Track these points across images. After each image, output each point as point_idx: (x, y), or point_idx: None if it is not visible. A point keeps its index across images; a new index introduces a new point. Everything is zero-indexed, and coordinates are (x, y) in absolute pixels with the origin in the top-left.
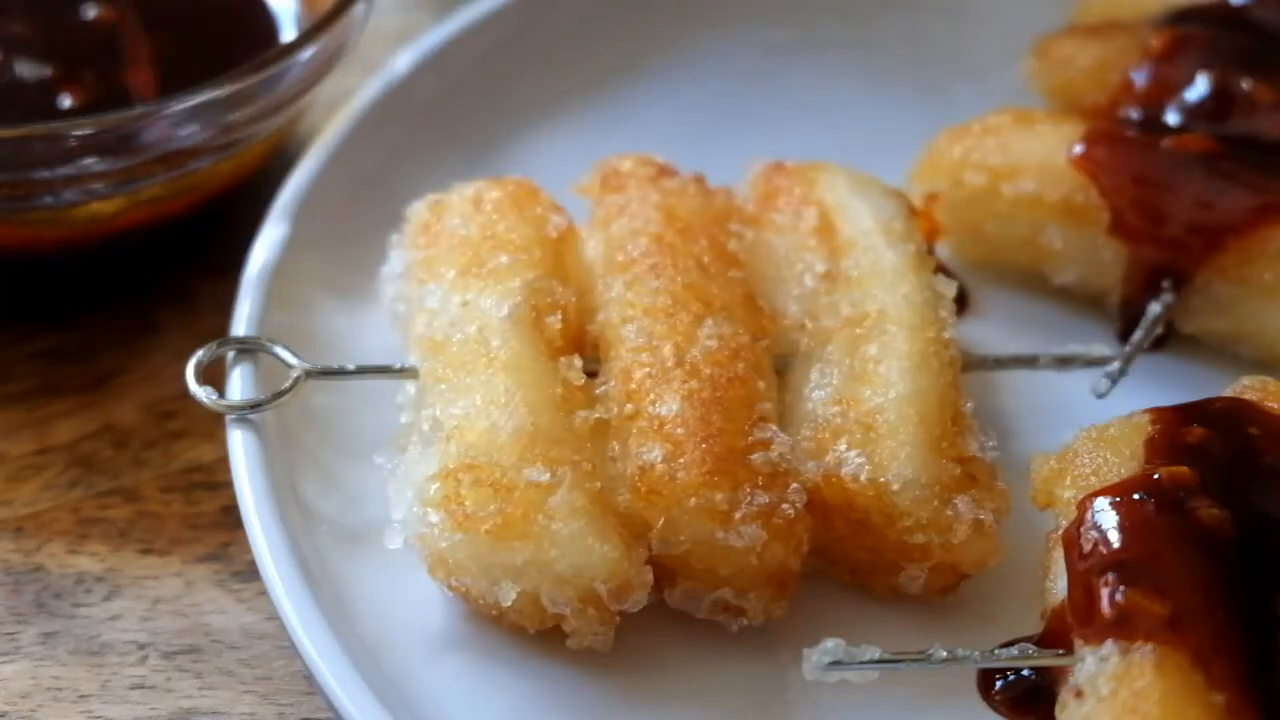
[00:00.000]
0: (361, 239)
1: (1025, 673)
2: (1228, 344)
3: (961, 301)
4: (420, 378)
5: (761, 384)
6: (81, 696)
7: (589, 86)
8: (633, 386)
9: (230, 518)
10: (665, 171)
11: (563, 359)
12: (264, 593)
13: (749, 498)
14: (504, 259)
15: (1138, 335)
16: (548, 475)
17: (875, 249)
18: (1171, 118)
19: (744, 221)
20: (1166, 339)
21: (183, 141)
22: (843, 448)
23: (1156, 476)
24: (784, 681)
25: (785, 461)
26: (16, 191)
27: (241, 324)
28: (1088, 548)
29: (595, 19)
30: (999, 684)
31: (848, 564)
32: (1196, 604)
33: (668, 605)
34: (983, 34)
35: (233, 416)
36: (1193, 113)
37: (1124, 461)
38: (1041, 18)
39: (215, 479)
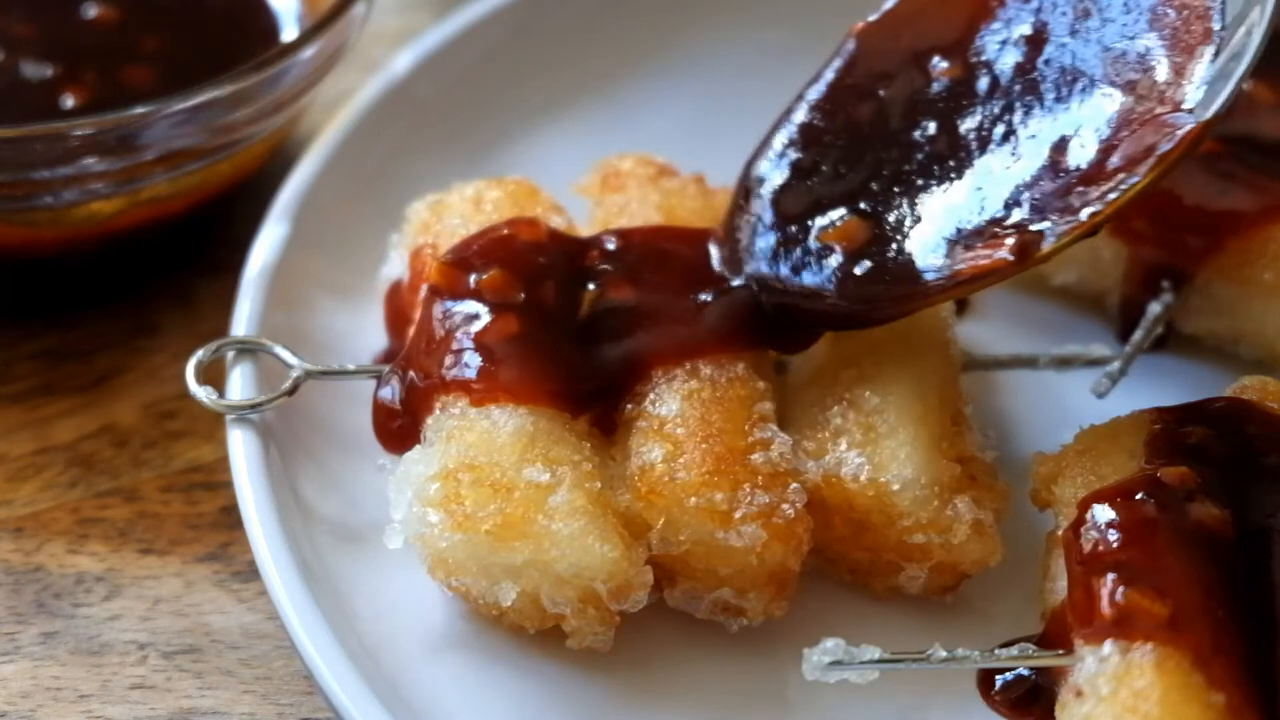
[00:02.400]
0: (361, 239)
1: (1025, 673)
2: (1228, 344)
3: (961, 301)
4: None
5: (761, 384)
6: (81, 696)
7: (589, 86)
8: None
9: (230, 518)
10: (665, 171)
11: None
12: (264, 593)
13: (749, 498)
14: None
15: (1138, 335)
16: (548, 475)
17: None
18: None
19: None
20: (1166, 339)
21: (183, 141)
22: (843, 448)
23: (1156, 476)
24: (784, 681)
25: (785, 461)
26: (16, 191)
27: (241, 324)
28: (1088, 548)
29: (595, 19)
30: (999, 684)
31: (848, 564)
32: (1196, 604)
33: (668, 605)
34: None
35: (233, 416)
36: None
37: (1124, 461)
38: None
39: (215, 479)
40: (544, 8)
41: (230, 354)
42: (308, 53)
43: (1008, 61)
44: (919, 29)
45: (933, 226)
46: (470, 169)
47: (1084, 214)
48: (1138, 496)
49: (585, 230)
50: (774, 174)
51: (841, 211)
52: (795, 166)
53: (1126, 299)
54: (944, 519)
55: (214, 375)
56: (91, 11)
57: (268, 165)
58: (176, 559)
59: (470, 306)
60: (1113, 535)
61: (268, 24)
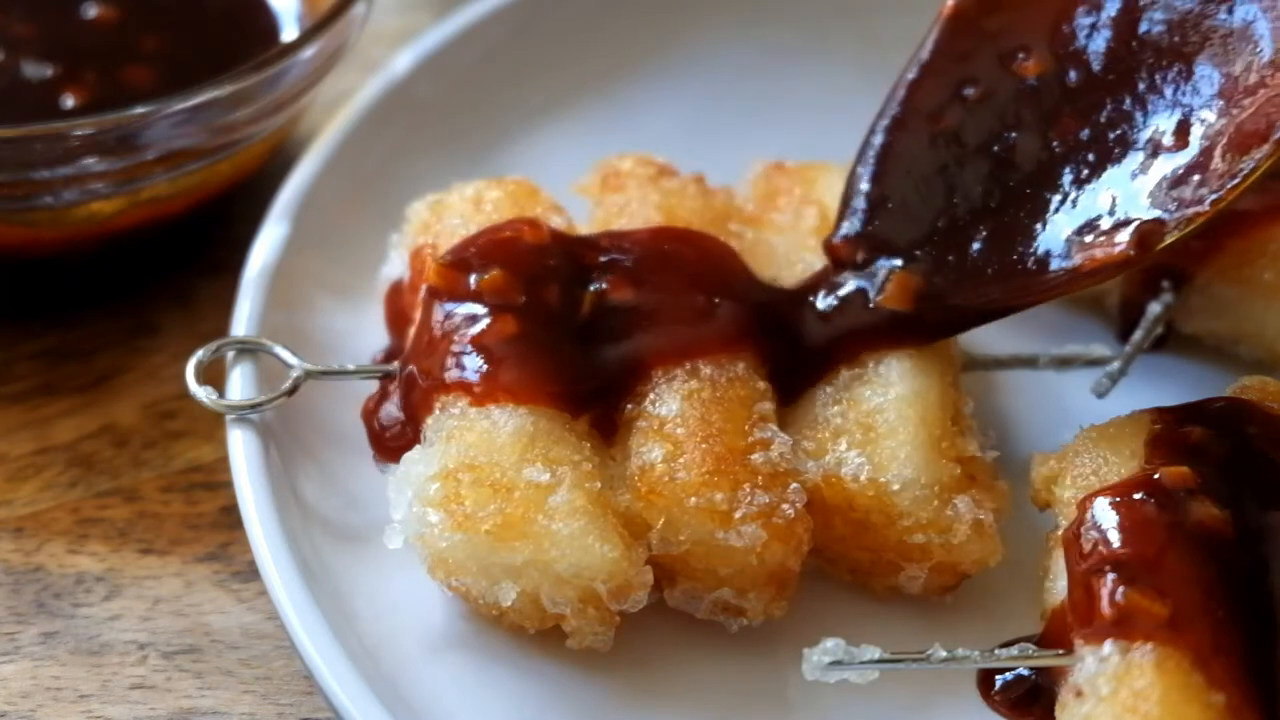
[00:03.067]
0: (361, 239)
1: (1025, 673)
2: (1228, 344)
3: None
4: None
5: (761, 384)
6: (81, 696)
7: (589, 86)
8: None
9: (230, 518)
10: (665, 171)
11: None
12: (264, 593)
13: (749, 498)
14: None
15: (1138, 335)
16: (548, 475)
17: None
18: None
19: (744, 221)
20: (1166, 339)
21: (183, 141)
22: (843, 448)
23: (1156, 476)
24: (784, 681)
25: (785, 461)
26: (16, 191)
27: (241, 324)
28: (1088, 548)
29: (595, 19)
30: (999, 684)
31: (848, 564)
32: (1197, 604)
33: (668, 605)
34: None
35: (233, 416)
36: None
37: (1124, 461)
38: None
39: (215, 479)
40: (544, 8)
41: (230, 354)
42: (308, 53)
43: (1099, 47)
44: (1007, 13)
45: (1041, 228)
46: (470, 169)
47: (1206, 202)
48: (1138, 496)
49: (585, 230)
50: (856, 207)
51: (895, 264)
52: (875, 200)
53: (1126, 299)
54: (944, 519)
55: (214, 375)
56: (91, 11)
57: (268, 165)
58: (176, 559)
59: (470, 307)
60: (1113, 535)
61: (268, 24)
